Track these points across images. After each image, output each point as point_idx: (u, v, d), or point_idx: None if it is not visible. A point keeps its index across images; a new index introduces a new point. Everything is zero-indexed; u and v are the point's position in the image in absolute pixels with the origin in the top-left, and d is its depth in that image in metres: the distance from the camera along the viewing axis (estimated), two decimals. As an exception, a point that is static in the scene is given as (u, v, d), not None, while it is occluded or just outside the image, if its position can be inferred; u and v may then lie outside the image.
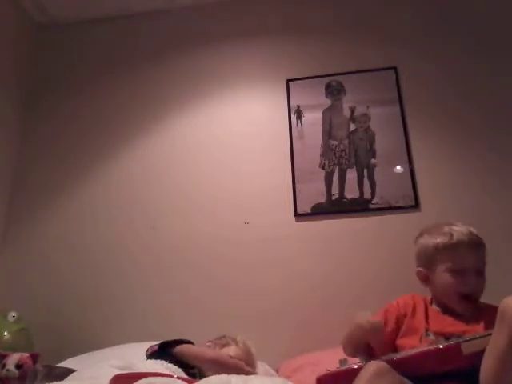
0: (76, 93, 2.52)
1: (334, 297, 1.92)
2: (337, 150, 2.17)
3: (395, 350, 1.32)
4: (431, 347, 1.07)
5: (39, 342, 1.90)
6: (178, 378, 1.10)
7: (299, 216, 2.08)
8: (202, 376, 1.32)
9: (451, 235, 1.37)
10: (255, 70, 2.41)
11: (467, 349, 1.02)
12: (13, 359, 1.37)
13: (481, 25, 2.27)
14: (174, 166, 2.28)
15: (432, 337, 1.25)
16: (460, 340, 1.06)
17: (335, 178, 2.12)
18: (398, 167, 2.09)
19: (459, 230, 1.38)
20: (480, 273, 1.36)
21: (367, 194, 2.06)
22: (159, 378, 1.04)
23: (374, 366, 1.00)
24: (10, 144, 2.40)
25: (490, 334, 0.98)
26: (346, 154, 2.16)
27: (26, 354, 1.40)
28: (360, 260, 1.97)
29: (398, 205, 2.02)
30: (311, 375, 1.16)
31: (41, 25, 2.69)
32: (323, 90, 2.29)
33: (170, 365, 1.28)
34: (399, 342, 1.34)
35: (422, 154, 2.09)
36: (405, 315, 1.38)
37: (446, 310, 1.37)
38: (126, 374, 1.12)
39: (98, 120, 2.44)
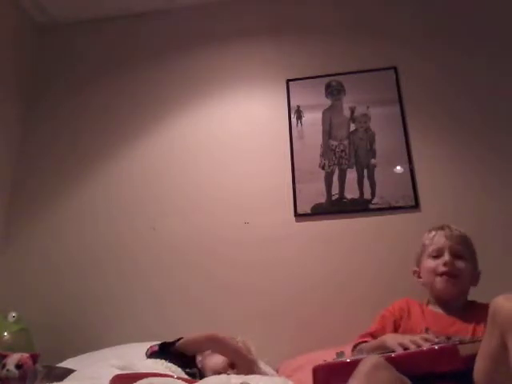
0: (76, 93, 2.52)
1: (334, 297, 1.92)
2: (337, 150, 2.17)
3: None
4: (429, 347, 1.08)
5: (39, 342, 1.90)
6: (178, 378, 1.10)
7: (299, 216, 2.08)
8: (201, 376, 1.33)
9: (431, 230, 1.52)
10: (255, 70, 2.41)
11: (464, 351, 1.03)
12: (13, 359, 1.37)
13: (481, 25, 2.26)
14: (173, 166, 2.28)
15: (431, 335, 1.26)
16: (457, 342, 1.07)
17: (335, 178, 2.12)
18: (398, 167, 2.09)
19: (442, 226, 1.51)
20: (458, 256, 1.43)
21: (367, 194, 2.06)
22: (159, 378, 1.04)
23: (372, 360, 1.00)
24: (10, 144, 2.40)
25: None
26: (346, 154, 2.16)
27: (26, 354, 1.40)
28: (360, 260, 1.97)
29: (398, 205, 2.02)
30: (311, 375, 1.16)
31: (41, 25, 2.69)
32: (323, 90, 2.29)
33: (170, 364, 1.29)
34: None
35: (421, 154, 2.09)
36: (401, 318, 1.42)
37: (442, 308, 1.41)
38: (127, 374, 1.12)
39: (98, 120, 2.44)
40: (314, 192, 2.10)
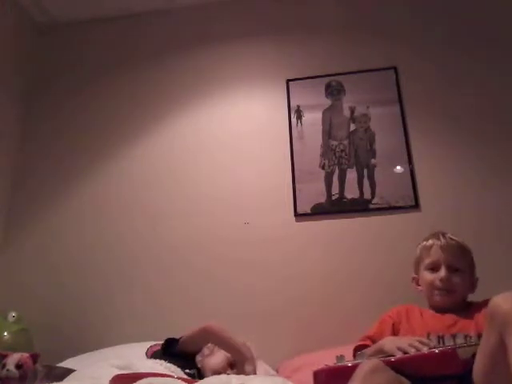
0: (76, 93, 2.53)
1: (334, 297, 1.92)
2: (337, 150, 2.17)
3: None
4: (429, 350, 1.09)
5: (39, 342, 1.90)
6: (178, 378, 1.10)
7: (299, 216, 2.08)
8: (200, 377, 1.33)
9: (428, 239, 1.51)
10: (255, 70, 2.41)
11: (463, 354, 1.03)
12: (13, 359, 1.37)
13: (481, 25, 2.27)
14: (173, 166, 2.28)
15: (433, 336, 1.27)
16: (456, 345, 1.08)
17: (335, 178, 2.12)
18: (398, 167, 2.09)
19: (438, 235, 1.49)
20: (454, 269, 1.42)
21: (367, 194, 2.06)
22: (159, 378, 1.04)
23: (369, 363, 1.01)
24: (11, 144, 2.40)
25: None
26: (346, 154, 2.16)
27: (26, 354, 1.40)
28: (360, 260, 1.97)
29: (398, 205, 2.02)
30: (311, 375, 1.16)
31: (41, 25, 2.69)
32: (323, 90, 2.29)
33: (169, 364, 1.29)
34: None
35: (422, 154, 2.09)
36: (400, 322, 1.42)
37: (440, 311, 1.41)
38: (127, 374, 1.12)
39: (98, 120, 2.44)
40: (314, 192, 2.10)
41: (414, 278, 1.55)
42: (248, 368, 1.29)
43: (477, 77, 2.18)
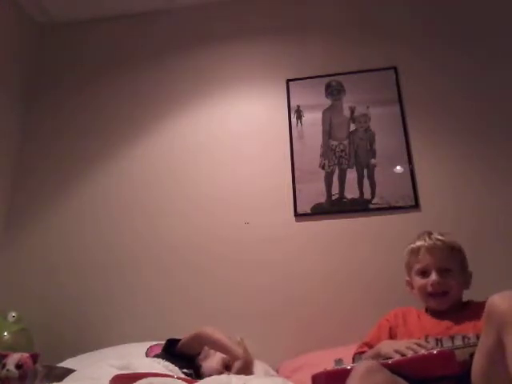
0: (76, 93, 2.53)
1: (334, 297, 1.92)
2: (337, 150, 2.17)
3: None
4: (426, 352, 1.09)
5: (39, 342, 1.90)
6: (177, 378, 1.10)
7: (299, 216, 2.08)
8: (197, 376, 1.33)
9: (415, 241, 1.47)
10: (255, 70, 2.41)
11: (461, 355, 1.03)
12: (13, 359, 1.37)
13: (481, 25, 2.27)
14: (173, 166, 2.28)
15: (431, 338, 1.27)
16: (454, 347, 1.08)
17: (335, 178, 2.12)
18: (398, 167, 2.09)
19: (424, 236, 1.46)
20: (444, 270, 1.39)
21: (367, 194, 2.06)
22: (159, 378, 1.04)
23: (365, 364, 1.01)
24: (11, 144, 2.40)
25: None
26: (346, 154, 2.16)
27: (26, 354, 1.40)
28: (360, 260, 1.96)
29: (398, 205, 2.02)
30: (310, 381, 1.16)
31: (41, 25, 2.69)
32: (323, 90, 2.29)
33: (167, 363, 1.29)
34: None
35: (422, 154, 2.09)
36: (397, 326, 1.41)
37: (437, 313, 1.40)
38: (127, 374, 1.13)
39: (98, 120, 2.44)
40: (314, 192, 2.10)
41: (407, 282, 1.52)
42: (237, 364, 1.30)
43: (477, 77, 2.18)
